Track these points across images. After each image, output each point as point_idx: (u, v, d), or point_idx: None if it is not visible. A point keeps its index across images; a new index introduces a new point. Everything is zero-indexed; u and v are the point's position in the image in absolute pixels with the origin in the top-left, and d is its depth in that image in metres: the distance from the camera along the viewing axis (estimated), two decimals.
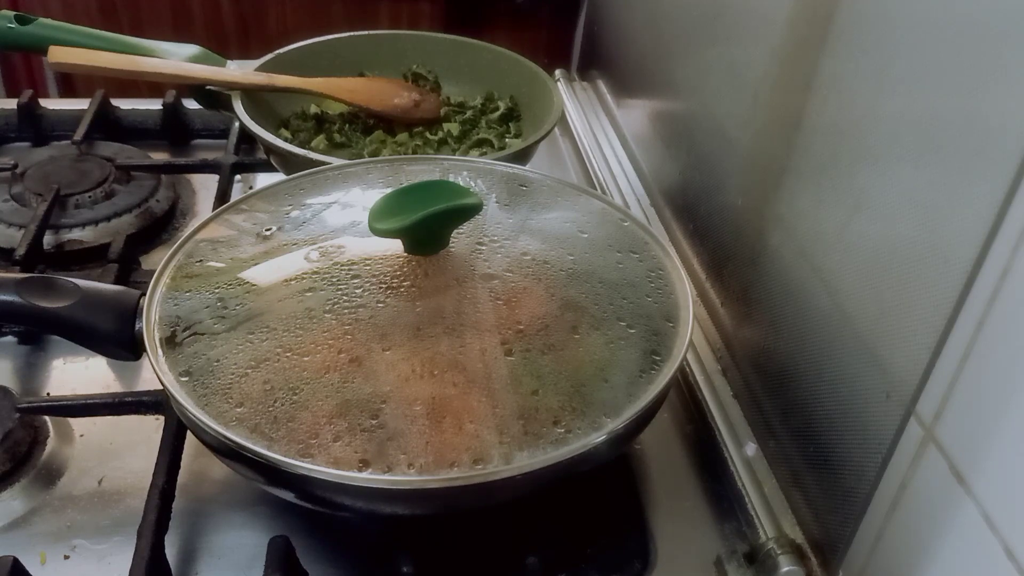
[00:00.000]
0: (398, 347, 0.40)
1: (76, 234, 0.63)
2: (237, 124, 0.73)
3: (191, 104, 0.77)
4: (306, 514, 0.44)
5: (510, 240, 0.47)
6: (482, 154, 0.68)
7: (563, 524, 0.45)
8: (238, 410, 0.38)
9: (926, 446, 0.35)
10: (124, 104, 0.79)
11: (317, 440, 0.36)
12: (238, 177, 0.73)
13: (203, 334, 0.41)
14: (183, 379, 0.39)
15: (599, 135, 0.81)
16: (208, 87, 0.70)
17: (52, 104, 0.78)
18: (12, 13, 0.69)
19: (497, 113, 0.75)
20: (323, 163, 0.57)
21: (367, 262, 0.44)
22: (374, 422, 0.37)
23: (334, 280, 0.43)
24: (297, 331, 0.40)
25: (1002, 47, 0.31)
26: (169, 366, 0.40)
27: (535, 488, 0.38)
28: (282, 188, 0.52)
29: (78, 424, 0.50)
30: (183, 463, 0.45)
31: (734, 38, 0.55)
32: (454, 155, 0.68)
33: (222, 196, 0.66)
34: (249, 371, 0.39)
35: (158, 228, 0.67)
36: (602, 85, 0.88)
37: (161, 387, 0.40)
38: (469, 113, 0.75)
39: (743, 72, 0.53)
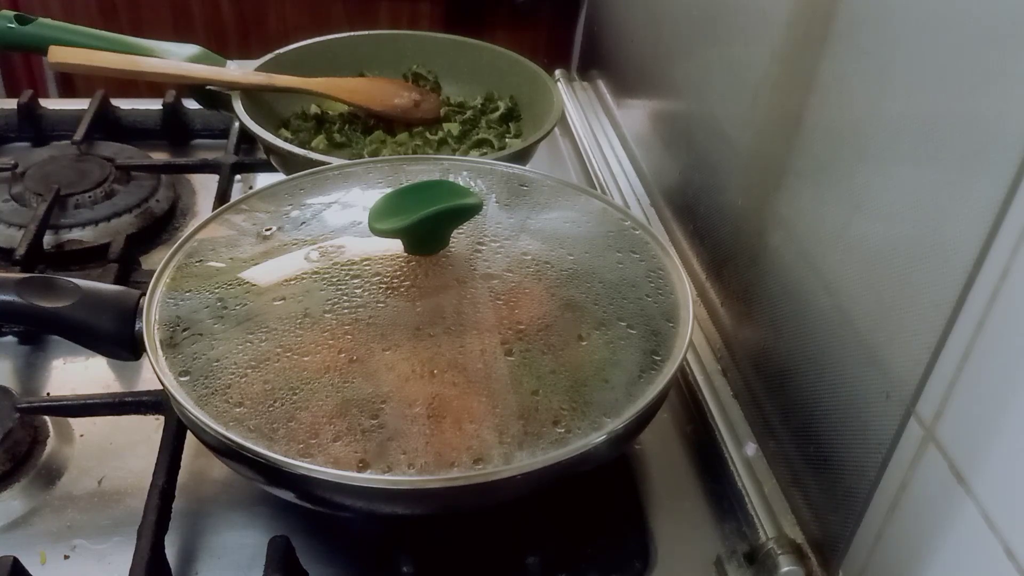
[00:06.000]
0: (398, 347, 0.40)
1: (76, 234, 0.63)
2: (237, 124, 0.73)
3: (191, 104, 0.77)
4: (306, 514, 0.44)
5: (510, 240, 0.47)
6: (482, 154, 0.68)
7: (563, 524, 0.44)
8: (238, 410, 0.38)
9: (926, 446, 0.35)
10: (124, 104, 0.79)
11: (317, 440, 0.36)
12: (238, 177, 0.73)
13: (203, 334, 0.41)
14: (183, 379, 0.39)
15: (599, 135, 0.81)
16: (208, 87, 0.70)
17: (52, 104, 0.78)
18: (12, 13, 0.69)
19: (497, 113, 0.75)
20: (323, 163, 0.57)
21: (367, 262, 0.44)
22: (374, 422, 0.37)
23: (334, 280, 0.43)
24: (297, 331, 0.40)
25: (1002, 47, 0.31)
26: (169, 366, 0.40)
27: (535, 488, 0.38)
28: (282, 188, 0.52)
29: (78, 424, 0.50)
30: (183, 463, 0.45)
31: (734, 38, 0.55)
32: (454, 155, 0.68)
33: (222, 196, 0.66)
34: (249, 371, 0.39)
35: (158, 228, 0.67)
36: (602, 85, 0.88)
37: (161, 387, 0.40)
38: (469, 113, 0.75)
39: (743, 72, 0.53)
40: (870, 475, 0.39)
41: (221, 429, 0.37)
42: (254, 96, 0.69)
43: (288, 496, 0.39)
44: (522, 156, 0.65)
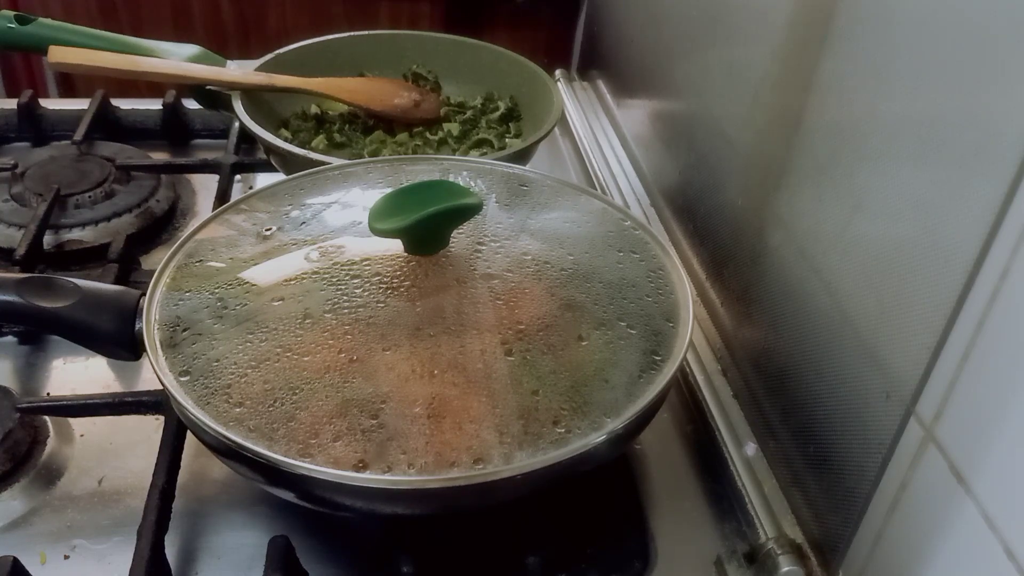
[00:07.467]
0: (398, 347, 0.40)
1: (76, 234, 0.63)
2: (237, 124, 0.73)
3: (191, 104, 0.77)
4: (306, 514, 0.44)
5: (510, 240, 0.47)
6: (482, 154, 0.68)
7: (563, 524, 0.44)
8: (238, 410, 0.38)
9: (926, 446, 0.35)
10: (124, 104, 0.79)
11: (317, 440, 0.36)
12: (238, 177, 0.73)
13: (203, 334, 0.41)
14: (183, 379, 0.39)
15: (599, 135, 0.81)
16: (208, 87, 0.70)
17: (52, 104, 0.78)
18: (12, 13, 0.69)
19: (497, 113, 0.75)
20: (323, 163, 0.57)
21: (367, 262, 0.44)
22: (374, 422, 0.37)
23: (334, 280, 0.43)
24: (297, 331, 0.40)
25: (1002, 47, 0.31)
26: (169, 366, 0.40)
27: (535, 488, 0.38)
28: (282, 188, 0.52)
29: (78, 424, 0.50)
30: (183, 463, 0.45)
31: (734, 38, 0.55)
32: (454, 155, 0.68)
33: (222, 196, 0.66)
34: (249, 371, 0.39)
35: (158, 228, 0.67)
36: (602, 85, 0.88)
37: (161, 387, 0.40)
38: (469, 113, 0.75)
39: (743, 72, 0.53)
40: (870, 475, 0.39)
41: (221, 429, 0.37)
42: (254, 96, 0.69)
43: (288, 496, 0.39)
44: (522, 156, 0.65)
